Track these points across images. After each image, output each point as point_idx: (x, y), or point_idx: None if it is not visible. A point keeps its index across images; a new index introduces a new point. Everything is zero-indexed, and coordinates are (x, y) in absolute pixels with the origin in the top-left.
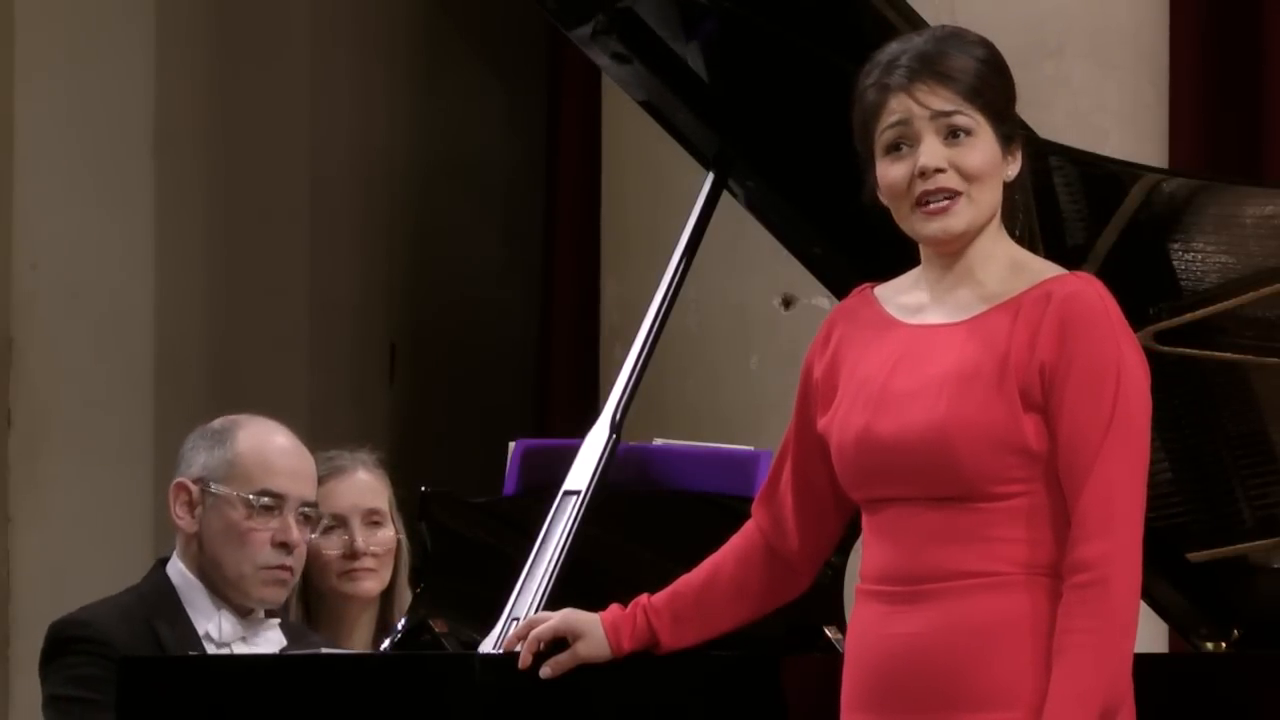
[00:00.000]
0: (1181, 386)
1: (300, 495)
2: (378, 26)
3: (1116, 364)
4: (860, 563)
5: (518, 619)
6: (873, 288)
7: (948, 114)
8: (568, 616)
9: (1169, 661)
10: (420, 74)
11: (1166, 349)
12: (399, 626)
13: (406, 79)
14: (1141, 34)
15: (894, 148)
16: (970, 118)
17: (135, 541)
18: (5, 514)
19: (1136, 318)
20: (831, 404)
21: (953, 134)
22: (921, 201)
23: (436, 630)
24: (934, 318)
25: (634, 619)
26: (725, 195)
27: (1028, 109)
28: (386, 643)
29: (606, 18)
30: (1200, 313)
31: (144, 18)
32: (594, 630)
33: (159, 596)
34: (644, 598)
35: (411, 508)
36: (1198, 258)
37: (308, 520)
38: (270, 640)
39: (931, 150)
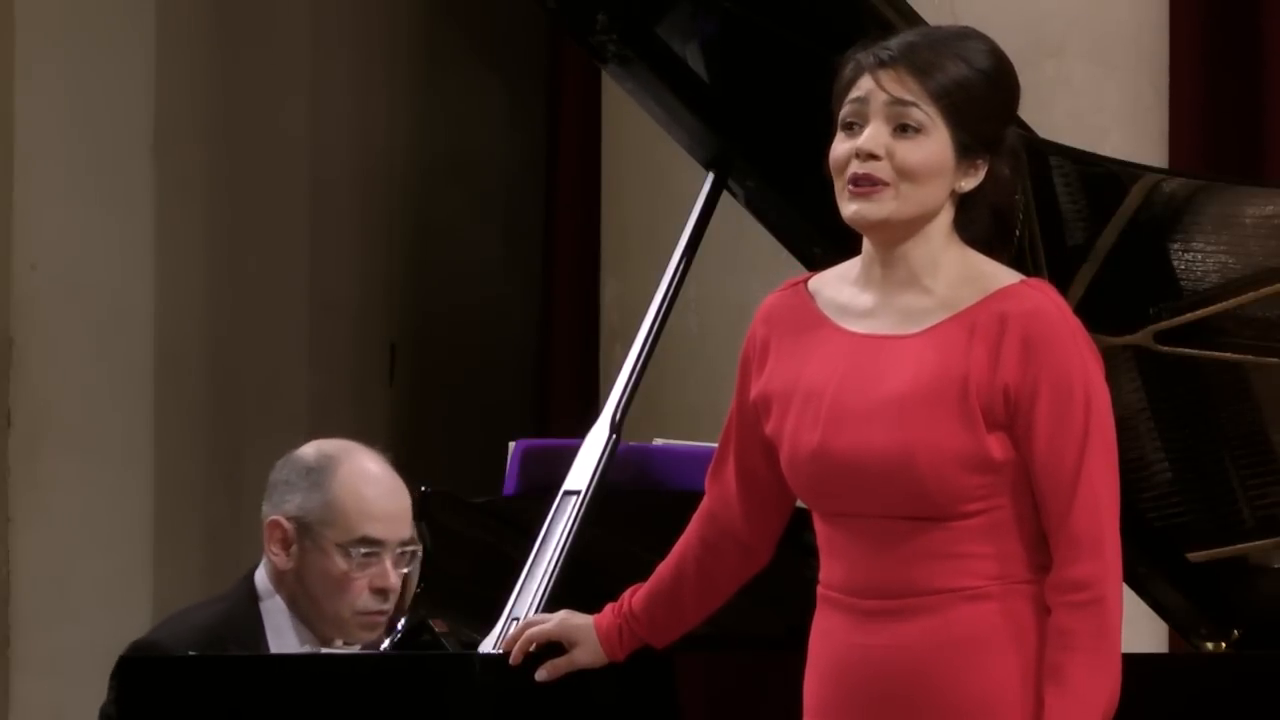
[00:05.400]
0: (1181, 386)
1: (398, 538)
2: (378, 26)
3: (1084, 379)
4: (820, 567)
5: (518, 619)
6: (805, 282)
7: (904, 104)
8: (564, 623)
9: (1169, 661)
10: (420, 74)
11: (1166, 349)
12: (399, 626)
13: (406, 79)
14: (1141, 34)
15: (848, 125)
16: (926, 115)
17: (135, 541)
18: (5, 514)
19: (1137, 318)
20: (772, 409)
21: (902, 127)
22: (851, 181)
23: (436, 630)
24: (881, 327)
25: (620, 631)
26: (725, 195)
27: (1028, 109)
28: (386, 643)
29: (607, 18)
30: (1200, 313)
31: (144, 18)
32: (589, 638)
33: (243, 619)
34: (626, 602)
35: (412, 508)
36: (1198, 258)
37: (404, 556)
38: None
39: (874, 135)
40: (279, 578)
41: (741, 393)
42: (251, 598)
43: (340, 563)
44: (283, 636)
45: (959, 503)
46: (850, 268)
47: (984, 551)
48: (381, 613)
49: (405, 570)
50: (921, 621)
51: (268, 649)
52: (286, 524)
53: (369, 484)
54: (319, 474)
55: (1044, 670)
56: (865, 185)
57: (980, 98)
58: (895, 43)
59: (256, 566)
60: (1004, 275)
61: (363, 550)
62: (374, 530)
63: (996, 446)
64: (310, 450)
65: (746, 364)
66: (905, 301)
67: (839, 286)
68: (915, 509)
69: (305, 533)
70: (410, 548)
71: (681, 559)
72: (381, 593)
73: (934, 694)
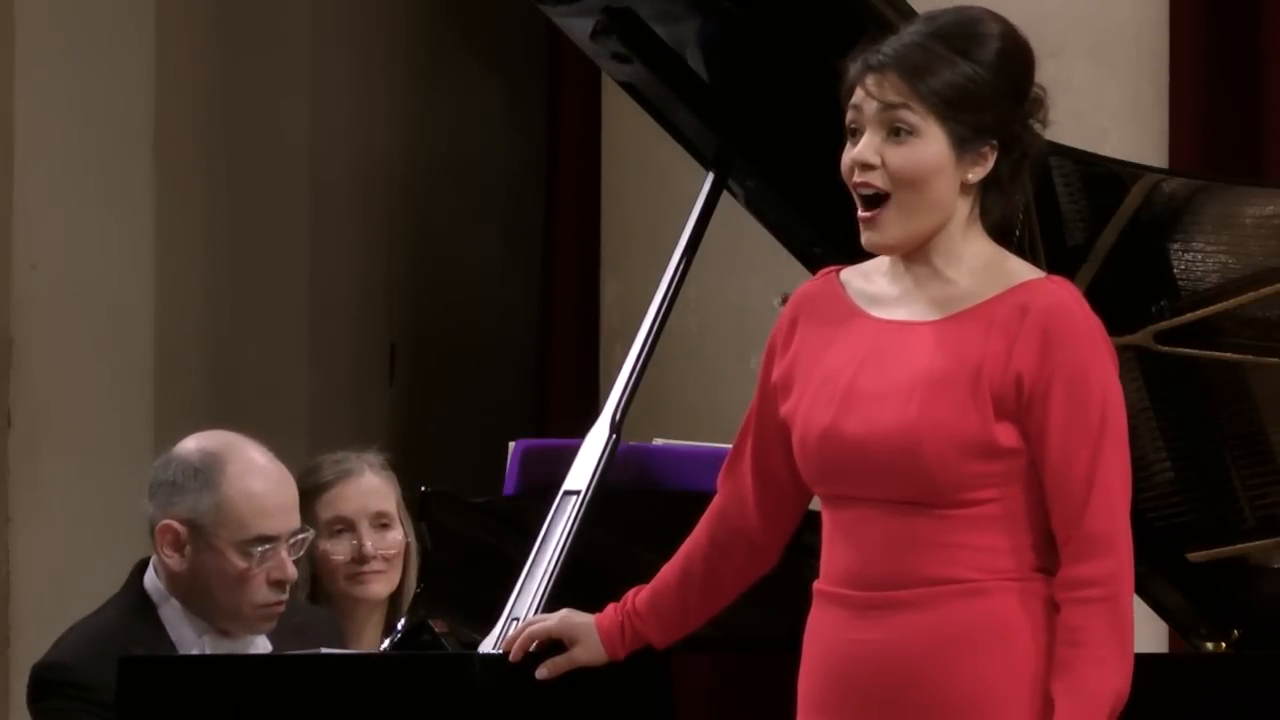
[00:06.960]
0: (1181, 386)
1: (290, 528)
2: (378, 26)
3: (1101, 377)
4: (821, 560)
5: (518, 619)
6: (838, 271)
7: (894, 108)
8: (565, 621)
9: (1169, 661)
10: (420, 74)
11: (1166, 349)
12: (399, 626)
13: (406, 79)
14: (1141, 34)
15: (852, 132)
16: (917, 116)
17: (135, 541)
18: (5, 514)
19: (1137, 317)
20: (791, 389)
21: (894, 131)
22: (858, 197)
23: (436, 630)
24: (902, 314)
25: (623, 629)
26: (725, 195)
27: None
28: (386, 643)
29: (606, 17)
30: (1200, 313)
31: (144, 18)
32: (590, 636)
33: (140, 618)
34: (630, 600)
35: (412, 507)
36: (1198, 258)
37: (298, 545)
38: (259, 647)
39: (867, 144)
40: (172, 579)
41: (764, 378)
42: (148, 603)
43: (238, 561)
44: (184, 640)
45: (961, 490)
46: (883, 260)
47: (984, 544)
48: (280, 603)
49: (299, 553)
50: (915, 617)
51: (170, 643)
52: (179, 527)
53: (258, 479)
54: (207, 474)
55: (1053, 666)
56: (869, 208)
57: (977, 91)
58: (888, 45)
59: (144, 570)
60: (1027, 271)
61: (259, 547)
62: (268, 526)
63: (1003, 435)
64: (193, 448)
65: (772, 349)
66: (929, 291)
67: (870, 277)
68: (918, 494)
69: (198, 534)
70: (301, 535)
71: (689, 559)
72: (279, 584)
73: (924, 693)
